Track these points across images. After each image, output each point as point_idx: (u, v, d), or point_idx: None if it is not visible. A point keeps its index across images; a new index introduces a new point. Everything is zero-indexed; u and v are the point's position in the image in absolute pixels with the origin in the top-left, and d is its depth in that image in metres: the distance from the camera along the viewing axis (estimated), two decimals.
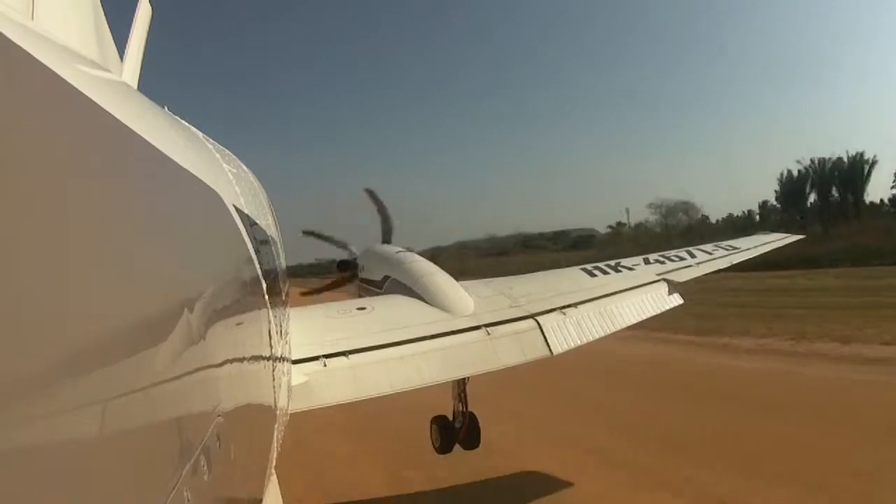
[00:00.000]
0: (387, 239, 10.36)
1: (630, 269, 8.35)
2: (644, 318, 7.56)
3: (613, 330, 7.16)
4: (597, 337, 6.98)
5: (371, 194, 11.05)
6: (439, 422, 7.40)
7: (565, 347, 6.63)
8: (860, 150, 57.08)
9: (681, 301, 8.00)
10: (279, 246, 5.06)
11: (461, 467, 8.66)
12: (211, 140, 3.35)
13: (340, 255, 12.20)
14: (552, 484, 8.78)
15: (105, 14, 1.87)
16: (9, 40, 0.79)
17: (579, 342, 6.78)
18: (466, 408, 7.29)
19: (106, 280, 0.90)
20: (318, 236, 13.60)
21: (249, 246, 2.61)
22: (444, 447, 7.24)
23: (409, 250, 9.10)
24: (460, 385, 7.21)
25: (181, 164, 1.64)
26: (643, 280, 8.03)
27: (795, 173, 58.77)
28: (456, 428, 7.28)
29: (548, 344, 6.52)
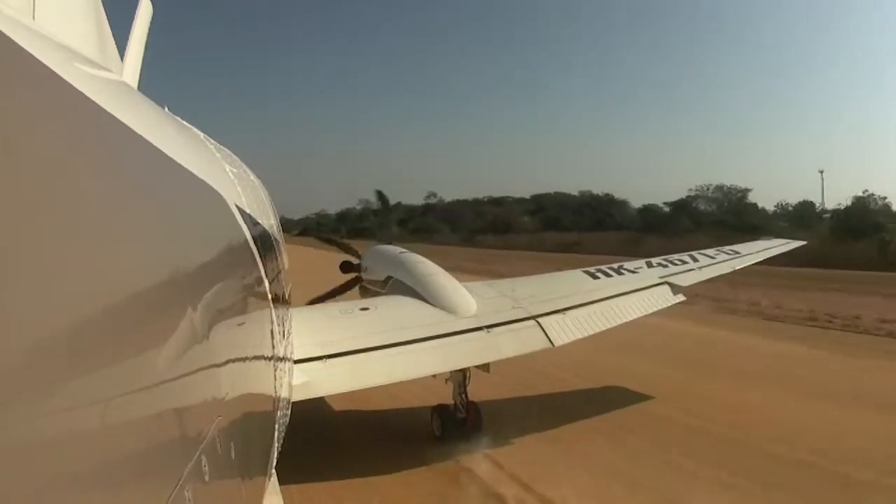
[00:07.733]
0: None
1: (633, 271, 8.37)
2: None
3: None
4: None
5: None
6: (440, 411, 7.44)
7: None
8: None
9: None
10: (282, 245, 5.05)
11: None
12: (211, 140, 3.36)
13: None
14: None
15: (105, 13, 1.87)
16: (10, 40, 0.79)
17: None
18: (467, 399, 7.35)
19: (107, 280, 0.89)
20: (321, 238, 14.59)
21: (252, 245, 2.61)
22: (444, 435, 7.28)
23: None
24: (461, 379, 7.26)
25: (182, 164, 1.64)
26: (646, 283, 8.04)
27: None
28: (458, 418, 7.32)
29: (550, 343, 6.56)
